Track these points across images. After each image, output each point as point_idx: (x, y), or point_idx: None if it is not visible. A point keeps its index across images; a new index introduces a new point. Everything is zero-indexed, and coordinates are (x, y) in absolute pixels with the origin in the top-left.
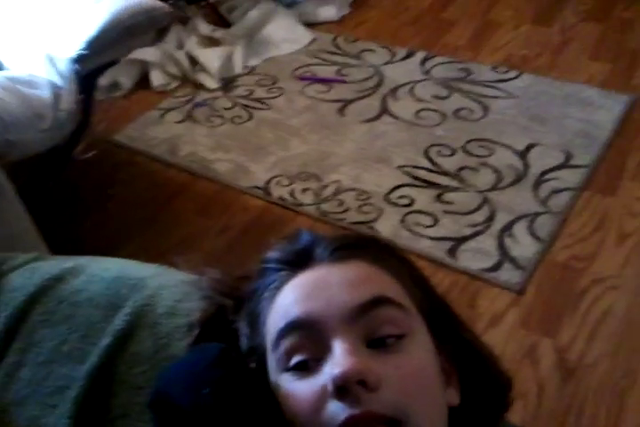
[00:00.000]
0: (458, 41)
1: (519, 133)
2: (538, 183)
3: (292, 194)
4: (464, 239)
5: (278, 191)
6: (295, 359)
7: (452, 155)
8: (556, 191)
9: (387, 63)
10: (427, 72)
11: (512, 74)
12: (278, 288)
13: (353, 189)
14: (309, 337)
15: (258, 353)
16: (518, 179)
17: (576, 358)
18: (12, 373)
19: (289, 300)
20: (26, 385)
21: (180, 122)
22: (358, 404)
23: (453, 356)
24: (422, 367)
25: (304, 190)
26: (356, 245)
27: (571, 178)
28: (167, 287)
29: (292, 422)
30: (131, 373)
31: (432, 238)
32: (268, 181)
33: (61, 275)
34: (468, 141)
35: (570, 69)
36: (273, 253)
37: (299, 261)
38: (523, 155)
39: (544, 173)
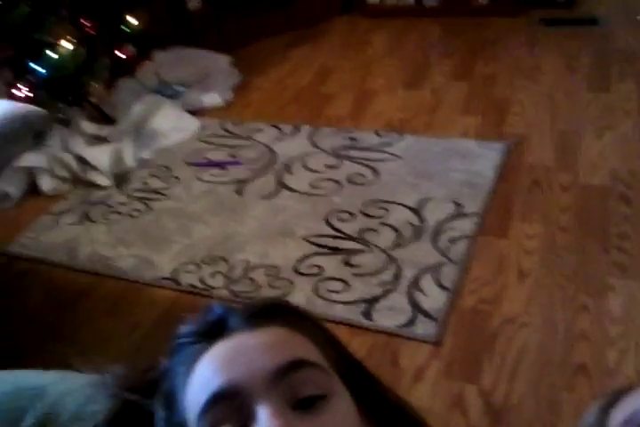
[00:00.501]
0: (339, 111)
1: (410, 191)
2: (435, 235)
3: (201, 280)
4: (376, 299)
5: (187, 279)
6: None
7: (351, 219)
8: (453, 240)
9: (276, 140)
10: (315, 144)
11: (394, 136)
12: (194, 361)
13: (262, 266)
14: (233, 407)
15: None
16: (417, 234)
17: (501, 400)
18: None
19: (208, 371)
20: None
21: (75, 224)
22: None
23: (373, 415)
24: (347, 421)
25: (213, 274)
26: (270, 310)
27: (464, 226)
28: (70, 393)
29: None
30: None
31: (345, 303)
32: (175, 271)
33: None
34: (365, 204)
35: (445, 126)
36: (185, 328)
37: (213, 331)
38: (417, 210)
39: (439, 224)
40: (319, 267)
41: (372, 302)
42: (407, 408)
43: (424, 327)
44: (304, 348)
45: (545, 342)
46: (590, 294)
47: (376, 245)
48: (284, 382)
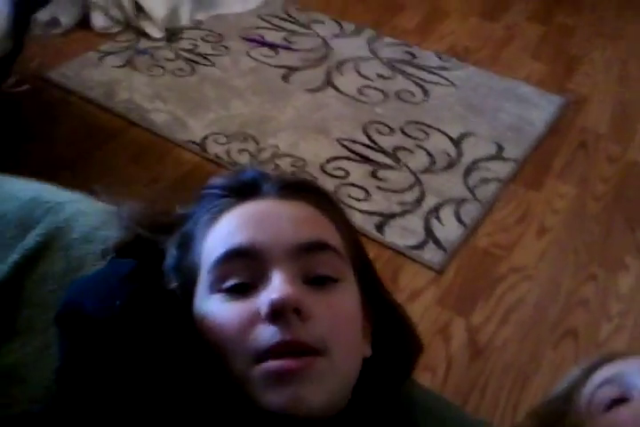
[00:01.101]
0: (406, 24)
1: (455, 121)
2: (468, 171)
3: (228, 153)
4: (393, 216)
5: (214, 149)
6: (230, 282)
7: (390, 134)
8: (485, 181)
9: (335, 36)
10: (373, 51)
11: (454, 63)
12: (220, 213)
13: (290, 156)
14: (249, 265)
15: (184, 273)
16: (450, 165)
17: (486, 340)
18: None
19: (233, 226)
20: None
21: (118, 67)
22: (289, 331)
23: (371, 312)
24: (350, 311)
25: (241, 151)
26: (303, 187)
27: (500, 170)
28: (85, 214)
29: (212, 345)
30: (38, 292)
31: (362, 212)
32: (205, 138)
33: None
34: (407, 123)
35: (510, 65)
36: (217, 180)
37: (245, 190)
38: (457, 142)
39: (475, 161)
40: (346, 171)
41: (388, 217)
42: (402, 312)
43: (432, 254)
44: (328, 231)
45: (544, 299)
46: (603, 267)
47: (407, 165)
48: (303, 258)
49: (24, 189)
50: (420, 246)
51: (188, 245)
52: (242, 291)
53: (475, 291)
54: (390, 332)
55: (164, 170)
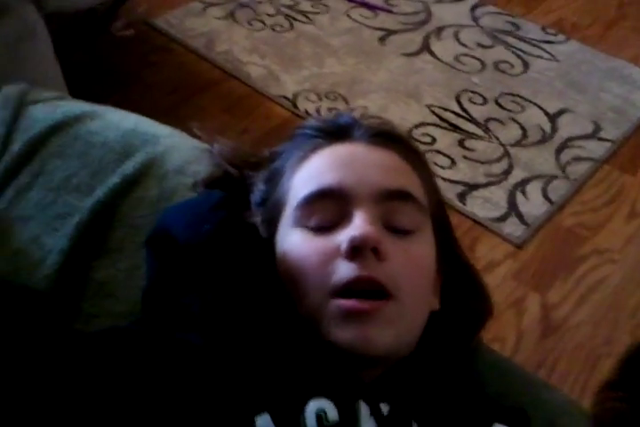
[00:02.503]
0: None
1: (554, 97)
2: (561, 148)
3: (318, 110)
4: (477, 186)
5: (305, 105)
6: (315, 220)
7: (483, 104)
8: (578, 159)
9: (437, 1)
10: (475, 19)
11: (560, 38)
12: (311, 152)
13: (378, 118)
14: (335, 204)
15: (270, 208)
16: (543, 140)
17: (560, 318)
18: (21, 192)
19: (323, 165)
20: (33, 206)
21: (220, 18)
22: (366, 268)
23: (444, 268)
24: (425, 260)
25: (330, 109)
26: (394, 136)
27: (595, 149)
28: (179, 149)
29: (290, 277)
30: (132, 214)
31: (446, 180)
32: (297, 94)
33: (81, 115)
34: (502, 94)
35: (618, 45)
36: (311, 122)
37: (337, 133)
38: (553, 118)
39: (570, 139)
40: (433, 138)
41: (472, 187)
42: (475, 271)
43: (513, 228)
44: (414, 183)
45: (626, 284)
46: None
47: (497, 137)
48: (386, 204)
49: (125, 119)
50: (501, 219)
51: (276, 180)
52: (325, 229)
53: (554, 269)
54: (461, 289)
55: (254, 122)
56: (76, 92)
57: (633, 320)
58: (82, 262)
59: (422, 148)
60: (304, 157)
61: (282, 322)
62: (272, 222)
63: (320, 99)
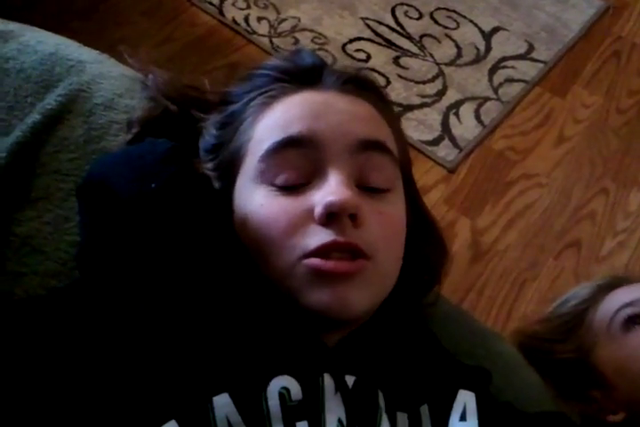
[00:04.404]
0: None
1: (489, 13)
2: (495, 68)
3: (246, 19)
4: (411, 108)
5: (233, 13)
6: (283, 176)
7: (418, 18)
8: (510, 80)
9: None
10: None
11: None
12: (277, 97)
13: (311, 31)
14: (306, 156)
15: (226, 155)
16: (477, 59)
17: (489, 243)
18: None
19: (292, 113)
20: None
21: None
22: (343, 234)
23: (408, 219)
24: (399, 219)
25: (260, 19)
26: (366, 85)
27: (527, 70)
28: (108, 78)
29: (254, 238)
30: (57, 157)
31: None
32: (224, 0)
33: None
34: (437, 9)
35: None
36: (273, 62)
37: (304, 77)
38: (487, 36)
39: (503, 59)
40: (367, 54)
41: (406, 108)
42: (436, 223)
43: (446, 151)
44: (387, 135)
45: (552, 208)
46: (616, 182)
47: (432, 55)
48: (362, 157)
49: (44, 41)
50: (434, 142)
51: (234, 126)
52: (294, 187)
53: (484, 194)
54: (423, 242)
55: (176, 30)
56: None
57: (557, 244)
58: (1, 214)
59: (356, 64)
60: (268, 104)
61: (242, 286)
62: (228, 173)
63: (249, 6)
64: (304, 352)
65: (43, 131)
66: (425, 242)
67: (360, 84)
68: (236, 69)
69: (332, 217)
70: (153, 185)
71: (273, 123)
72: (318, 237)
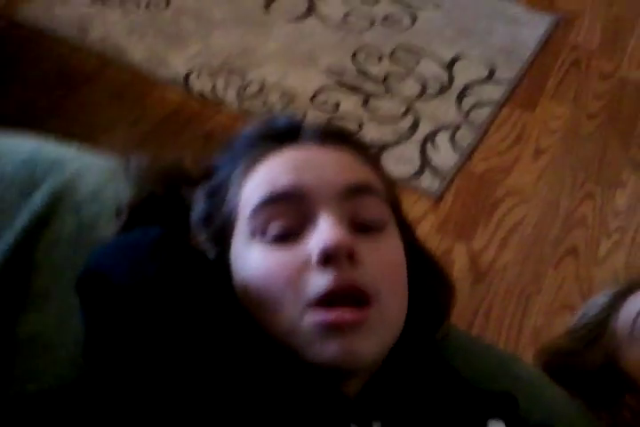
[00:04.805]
0: None
1: (445, 45)
2: (461, 96)
3: (213, 89)
4: (387, 146)
5: (199, 85)
6: (274, 229)
7: (379, 61)
8: (478, 105)
9: None
10: None
11: None
12: (259, 160)
13: (278, 89)
14: (294, 208)
15: (217, 226)
16: (443, 90)
17: (487, 263)
18: None
19: (276, 170)
20: None
21: (87, 4)
22: (343, 274)
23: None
24: (397, 257)
25: (226, 87)
26: (340, 134)
27: (493, 92)
28: (89, 171)
29: (254, 297)
30: (51, 256)
31: None
32: (188, 74)
33: None
34: (396, 49)
35: None
36: (249, 130)
37: (282, 136)
38: (448, 66)
39: (467, 86)
40: (336, 104)
41: (382, 147)
42: (434, 257)
43: (429, 182)
44: (372, 177)
45: (543, 220)
46: (600, 185)
47: (399, 93)
48: (350, 201)
49: (18, 148)
50: (416, 175)
51: (220, 195)
52: (287, 239)
53: (473, 216)
54: (425, 278)
55: (145, 111)
56: None
57: (555, 254)
58: (5, 318)
59: (327, 116)
60: (251, 167)
61: (252, 356)
62: (221, 241)
63: (213, 77)
64: (325, 407)
65: (33, 233)
66: (427, 278)
67: (337, 135)
68: (211, 139)
69: (329, 260)
70: (149, 273)
71: (258, 182)
72: (318, 282)
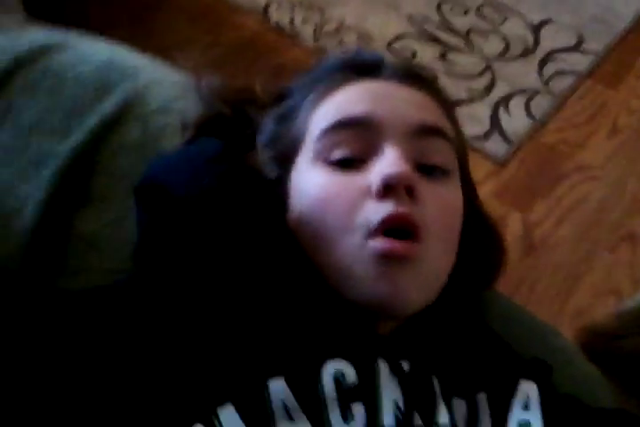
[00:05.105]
0: None
1: (536, 7)
2: (544, 61)
3: (291, 22)
4: (460, 103)
5: (277, 16)
6: (339, 153)
7: (464, 14)
8: (561, 73)
9: None
10: None
11: None
12: (337, 86)
13: (356, 30)
14: (362, 137)
15: (284, 144)
16: (526, 53)
17: (541, 237)
18: None
19: (351, 98)
20: (2, 151)
21: None
22: (402, 205)
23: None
24: (456, 205)
25: (304, 21)
26: (422, 76)
27: (578, 62)
28: (161, 83)
29: (312, 221)
30: (115, 161)
31: None
32: (268, 4)
33: (49, 46)
34: (483, 4)
35: None
36: (334, 56)
37: (366, 69)
38: (535, 29)
39: (553, 51)
40: (414, 51)
41: (454, 104)
42: (493, 222)
43: (496, 145)
44: (446, 124)
45: (607, 201)
46: None
47: (480, 50)
48: (420, 141)
49: (98, 50)
50: (484, 137)
51: (291, 117)
52: (351, 165)
53: (536, 187)
54: (479, 237)
55: (222, 35)
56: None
57: (612, 237)
58: (62, 214)
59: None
60: (327, 93)
61: (296, 278)
62: (284, 162)
63: (293, 9)
64: (358, 338)
65: (100, 135)
66: (481, 238)
67: (418, 77)
68: (282, 72)
69: (389, 189)
70: (205, 182)
71: (330, 107)
72: (378, 211)
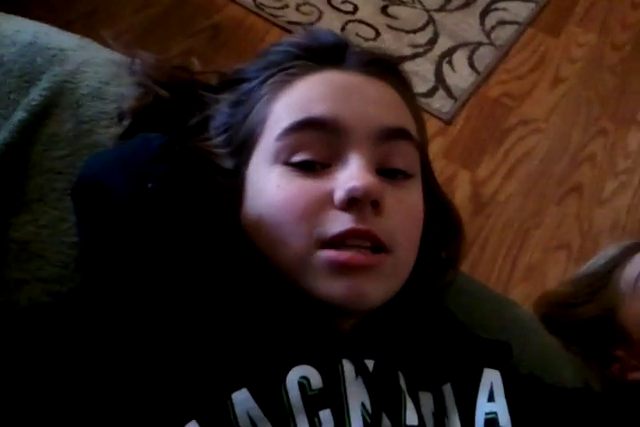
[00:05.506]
0: None
1: None
2: (486, 11)
3: None
4: (402, 59)
5: None
6: (301, 156)
7: None
8: (502, 23)
9: None
10: None
11: None
12: (298, 75)
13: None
14: (326, 140)
15: (239, 133)
16: (467, 3)
17: (490, 194)
18: None
19: (315, 93)
20: None
21: None
22: (363, 221)
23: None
24: (418, 208)
25: None
26: (389, 67)
27: (519, 11)
28: (92, 65)
29: (266, 223)
30: (48, 155)
31: None
32: None
33: None
34: None
35: None
36: (294, 39)
37: (328, 56)
38: None
39: (494, 1)
40: (355, 6)
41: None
42: (454, 209)
43: (441, 102)
44: (409, 121)
45: (552, 153)
46: (614, 122)
47: (420, 2)
48: (384, 144)
49: (21, 30)
50: (429, 94)
51: (248, 103)
52: (311, 168)
53: (482, 143)
54: (439, 224)
55: None
56: None
57: (559, 190)
58: None
59: (343, 18)
60: (288, 81)
61: (249, 279)
62: (241, 151)
63: None
64: (319, 340)
65: (30, 128)
66: (441, 225)
67: (383, 67)
68: (219, 31)
69: (352, 203)
70: (149, 185)
71: (293, 101)
72: (337, 222)
